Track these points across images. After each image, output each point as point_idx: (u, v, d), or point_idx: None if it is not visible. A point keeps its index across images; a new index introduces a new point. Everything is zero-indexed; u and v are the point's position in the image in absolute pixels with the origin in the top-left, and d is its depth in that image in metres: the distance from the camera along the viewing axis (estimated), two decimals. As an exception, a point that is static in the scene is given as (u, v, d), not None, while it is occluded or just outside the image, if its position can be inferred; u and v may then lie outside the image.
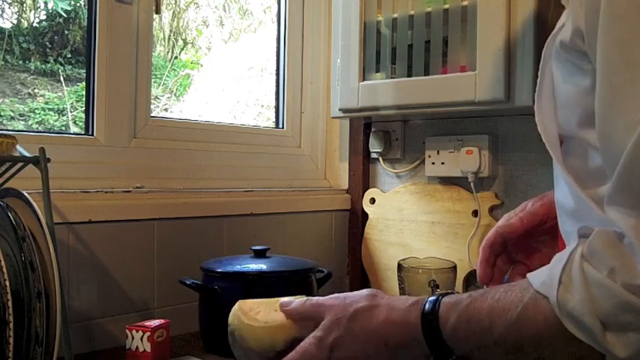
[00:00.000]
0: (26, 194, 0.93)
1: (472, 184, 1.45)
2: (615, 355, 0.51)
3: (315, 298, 0.74)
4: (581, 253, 0.54)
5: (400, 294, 1.37)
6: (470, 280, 1.48)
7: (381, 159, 1.66)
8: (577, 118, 0.60)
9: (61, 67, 1.38)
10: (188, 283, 1.17)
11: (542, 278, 0.57)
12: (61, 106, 1.39)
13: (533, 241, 0.85)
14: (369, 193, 1.68)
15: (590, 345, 0.52)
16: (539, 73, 0.67)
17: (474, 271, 0.81)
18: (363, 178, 1.69)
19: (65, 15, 1.40)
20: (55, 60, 1.38)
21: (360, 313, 0.68)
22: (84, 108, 1.31)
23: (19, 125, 1.31)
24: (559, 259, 0.56)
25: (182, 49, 1.77)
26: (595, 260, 0.53)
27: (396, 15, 1.45)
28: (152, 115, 1.41)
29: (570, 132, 0.62)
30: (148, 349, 1.06)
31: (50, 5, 1.40)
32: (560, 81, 0.62)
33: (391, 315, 0.66)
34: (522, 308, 0.57)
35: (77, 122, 1.40)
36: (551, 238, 0.83)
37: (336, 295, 0.73)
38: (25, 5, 1.40)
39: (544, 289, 0.56)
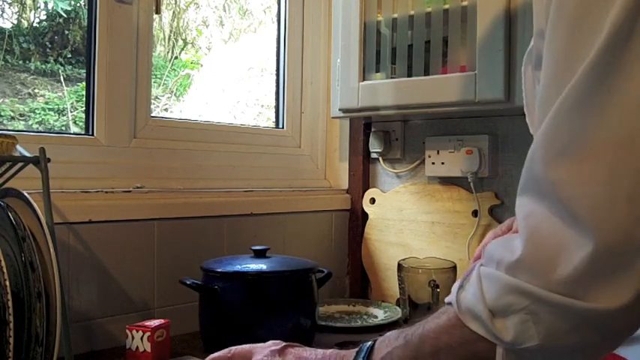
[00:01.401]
0: (26, 194, 0.93)
1: (472, 184, 1.45)
2: (502, 340, 0.53)
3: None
4: (480, 263, 0.58)
5: (400, 294, 1.37)
6: (470, 280, 1.48)
7: (381, 159, 1.66)
8: None
9: (61, 67, 1.38)
10: (188, 283, 1.17)
11: (450, 294, 0.61)
12: (61, 106, 1.39)
13: None
14: (369, 193, 1.68)
15: (485, 337, 0.54)
16: (522, 87, 0.68)
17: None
18: (363, 178, 1.69)
19: (65, 15, 1.41)
20: (55, 60, 1.38)
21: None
22: (84, 108, 1.31)
23: (19, 125, 1.31)
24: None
25: (182, 49, 1.77)
26: (487, 261, 0.56)
27: (396, 15, 1.45)
28: (152, 115, 1.41)
29: None
30: (148, 349, 1.06)
31: (50, 5, 1.41)
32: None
33: None
34: (432, 317, 0.61)
35: (77, 122, 1.40)
36: None
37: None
38: (25, 5, 1.40)
39: (449, 298, 0.59)
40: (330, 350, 0.72)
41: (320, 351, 0.72)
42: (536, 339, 0.51)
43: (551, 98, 0.52)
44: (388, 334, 0.66)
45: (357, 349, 0.67)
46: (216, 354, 0.79)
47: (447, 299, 0.60)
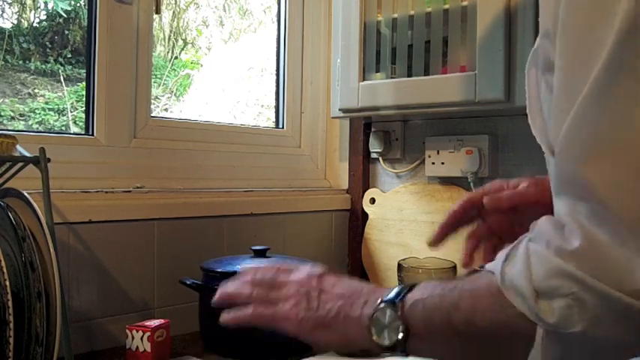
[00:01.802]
0: (26, 194, 0.93)
1: (472, 184, 1.45)
2: (545, 321, 0.52)
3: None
4: (528, 237, 0.57)
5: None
6: (470, 280, 1.48)
7: (381, 159, 1.66)
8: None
9: (61, 67, 1.38)
10: (188, 283, 1.17)
11: (492, 262, 0.60)
12: (61, 106, 1.39)
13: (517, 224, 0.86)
14: (369, 193, 1.68)
15: (526, 314, 0.54)
16: (526, 88, 0.67)
17: (474, 271, 0.82)
18: (363, 178, 1.69)
19: (65, 15, 1.41)
20: (55, 60, 1.38)
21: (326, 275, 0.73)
22: (84, 108, 1.31)
23: (19, 125, 1.31)
24: (507, 246, 0.59)
25: (182, 49, 1.77)
26: (537, 238, 0.56)
27: (396, 15, 1.45)
28: (152, 115, 1.41)
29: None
30: (148, 349, 1.06)
31: (50, 5, 1.41)
32: (543, 98, 0.63)
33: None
34: (468, 279, 0.61)
35: (77, 122, 1.40)
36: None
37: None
38: (25, 5, 1.40)
39: (491, 266, 0.59)
40: (367, 285, 0.71)
41: (355, 283, 0.71)
42: (580, 326, 0.51)
43: (571, 97, 0.52)
44: (427, 282, 0.65)
45: (396, 288, 0.66)
46: (260, 266, 0.78)
47: (488, 266, 0.59)
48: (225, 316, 0.75)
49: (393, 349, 0.63)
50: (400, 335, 0.62)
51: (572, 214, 0.53)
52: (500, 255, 0.59)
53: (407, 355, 0.63)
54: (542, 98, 0.63)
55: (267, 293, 0.74)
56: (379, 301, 0.65)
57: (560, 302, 0.51)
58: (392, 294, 0.65)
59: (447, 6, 1.36)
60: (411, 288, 0.65)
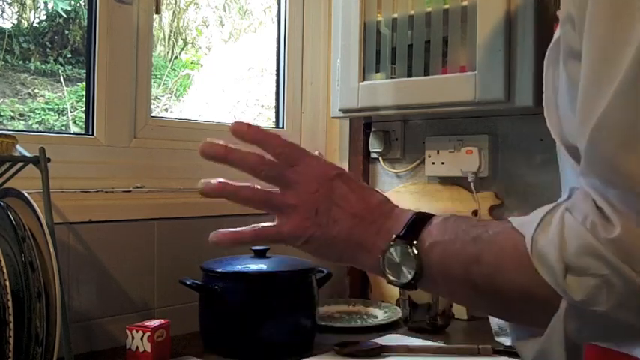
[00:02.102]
0: (26, 194, 0.93)
1: (472, 184, 1.45)
2: (571, 297, 0.52)
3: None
4: (565, 206, 0.56)
5: (400, 294, 1.38)
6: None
7: (381, 159, 1.66)
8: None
9: (61, 67, 1.38)
10: (188, 283, 1.17)
11: (522, 220, 0.58)
12: (61, 106, 1.39)
13: None
14: (369, 193, 1.68)
15: (551, 285, 0.53)
16: (543, 81, 0.66)
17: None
18: (363, 178, 1.69)
19: (65, 15, 1.41)
20: (55, 60, 1.38)
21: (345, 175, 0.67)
22: (84, 108, 1.31)
23: (19, 125, 1.31)
24: (543, 208, 0.57)
25: (182, 49, 1.77)
26: (574, 209, 0.55)
27: (396, 15, 1.45)
28: (152, 115, 1.41)
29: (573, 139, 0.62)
30: (148, 349, 1.06)
31: (50, 5, 1.41)
32: (562, 91, 0.62)
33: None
34: (493, 232, 0.58)
35: (77, 122, 1.40)
36: None
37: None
38: (25, 5, 1.40)
39: (522, 227, 0.57)
40: (380, 201, 0.66)
41: (368, 195, 0.66)
42: (604, 306, 0.51)
43: (603, 84, 0.51)
44: (445, 219, 0.62)
45: (409, 216, 0.63)
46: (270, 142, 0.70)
47: (516, 224, 0.57)
48: (217, 235, 0.71)
49: (404, 286, 0.62)
50: (413, 273, 0.60)
51: (603, 196, 0.52)
52: (534, 217, 0.56)
53: (416, 288, 0.62)
54: (563, 91, 0.61)
55: (270, 195, 0.67)
56: (393, 235, 0.62)
57: (590, 281, 0.51)
58: (406, 227, 0.62)
59: (447, 6, 1.36)
60: (426, 219, 0.63)
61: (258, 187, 0.69)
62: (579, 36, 0.55)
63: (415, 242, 0.61)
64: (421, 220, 0.63)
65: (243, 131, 0.71)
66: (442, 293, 0.64)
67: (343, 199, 0.65)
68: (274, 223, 0.68)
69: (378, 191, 0.68)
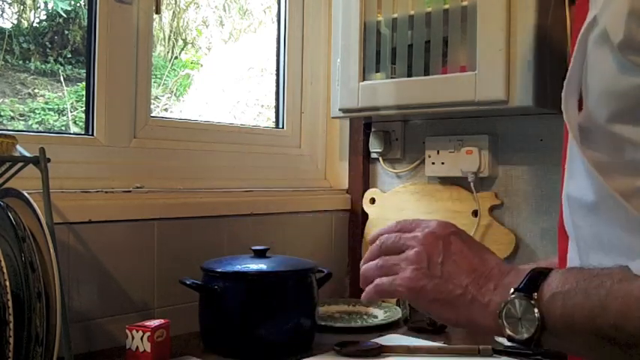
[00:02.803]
0: (26, 194, 0.93)
1: (472, 184, 1.45)
2: None
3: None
4: None
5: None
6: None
7: (381, 159, 1.66)
8: (609, 112, 0.58)
9: (61, 67, 1.38)
10: (188, 283, 1.17)
11: None
12: (61, 106, 1.39)
13: None
14: (369, 193, 1.68)
15: None
16: (570, 65, 0.63)
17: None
18: (363, 178, 1.69)
19: (65, 15, 1.40)
20: (55, 60, 1.38)
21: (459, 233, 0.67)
22: (84, 108, 1.31)
23: (19, 125, 1.31)
24: None
25: (182, 49, 1.77)
26: None
27: (396, 15, 1.45)
28: (152, 115, 1.41)
29: (598, 124, 0.60)
30: (148, 349, 1.06)
31: (50, 5, 1.41)
32: (599, 74, 0.59)
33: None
34: (617, 278, 0.55)
35: (77, 122, 1.40)
36: None
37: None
38: (25, 5, 1.40)
39: None
40: (495, 260, 0.65)
41: (483, 253, 0.65)
42: None
43: None
44: (564, 271, 0.59)
45: (527, 273, 0.60)
46: (383, 229, 0.75)
47: (637, 270, 0.54)
48: (363, 296, 0.72)
49: (525, 342, 0.59)
50: (535, 328, 0.57)
51: None
52: None
53: (541, 347, 0.59)
54: (591, 77, 0.59)
55: (388, 261, 0.69)
56: (512, 290, 0.59)
57: None
58: (525, 281, 0.59)
59: (447, 6, 1.36)
60: (544, 274, 0.60)
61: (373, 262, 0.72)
62: None
63: (535, 295, 0.58)
64: (540, 273, 0.60)
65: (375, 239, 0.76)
66: (566, 348, 0.60)
67: (459, 254, 0.64)
68: (390, 278, 0.68)
69: (493, 252, 0.67)
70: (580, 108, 0.63)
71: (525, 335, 0.58)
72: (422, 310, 0.67)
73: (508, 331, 0.59)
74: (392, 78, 1.46)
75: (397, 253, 0.69)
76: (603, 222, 0.59)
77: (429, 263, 0.64)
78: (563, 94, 0.63)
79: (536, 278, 0.59)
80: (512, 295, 0.59)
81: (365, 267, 0.73)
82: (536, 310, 0.57)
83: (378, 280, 0.69)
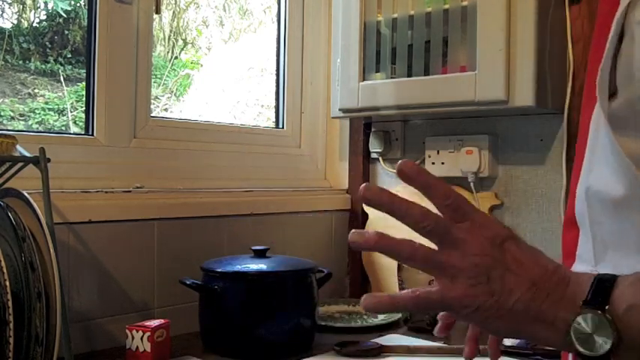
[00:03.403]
0: (26, 194, 0.93)
1: (472, 184, 1.45)
2: None
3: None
4: None
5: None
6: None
7: (381, 159, 1.66)
8: None
9: (61, 67, 1.38)
10: (188, 283, 1.17)
11: None
12: (61, 106, 1.39)
13: None
14: (369, 193, 1.67)
15: None
16: (608, 42, 0.58)
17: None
18: (363, 178, 1.69)
19: (65, 15, 1.40)
20: (55, 60, 1.38)
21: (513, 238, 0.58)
22: (84, 108, 1.31)
23: (19, 125, 1.31)
24: None
25: (182, 49, 1.77)
26: None
27: (396, 15, 1.45)
28: (152, 115, 1.41)
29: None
30: (148, 349, 1.06)
31: (50, 5, 1.40)
32: None
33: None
34: None
35: (77, 122, 1.40)
36: None
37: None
38: (25, 5, 1.40)
39: None
40: (556, 268, 0.57)
41: (541, 258, 0.57)
42: None
43: None
44: (634, 278, 0.54)
45: (592, 281, 0.55)
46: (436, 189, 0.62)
47: None
48: (373, 301, 0.59)
49: (599, 359, 0.54)
50: (611, 343, 0.53)
51: None
52: None
53: None
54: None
55: (433, 254, 0.60)
56: (580, 303, 0.54)
57: None
58: (592, 292, 0.54)
59: (447, 6, 1.36)
60: (612, 281, 0.54)
61: (417, 243, 0.60)
62: None
63: (607, 307, 0.53)
64: (607, 280, 0.55)
65: (411, 173, 0.62)
66: None
67: (517, 263, 0.57)
68: (436, 287, 0.59)
69: (545, 255, 0.60)
70: (610, 96, 0.59)
71: (600, 352, 0.53)
72: (471, 322, 0.60)
73: (579, 348, 0.54)
74: (392, 78, 1.46)
75: (438, 239, 0.60)
76: (632, 218, 0.56)
77: (488, 278, 0.56)
78: (598, 79, 0.58)
79: (604, 288, 0.54)
80: (582, 309, 0.54)
81: (397, 242, 0.61)
82: (610, 324, 0.53)
83: (423, 291, 0.59)
